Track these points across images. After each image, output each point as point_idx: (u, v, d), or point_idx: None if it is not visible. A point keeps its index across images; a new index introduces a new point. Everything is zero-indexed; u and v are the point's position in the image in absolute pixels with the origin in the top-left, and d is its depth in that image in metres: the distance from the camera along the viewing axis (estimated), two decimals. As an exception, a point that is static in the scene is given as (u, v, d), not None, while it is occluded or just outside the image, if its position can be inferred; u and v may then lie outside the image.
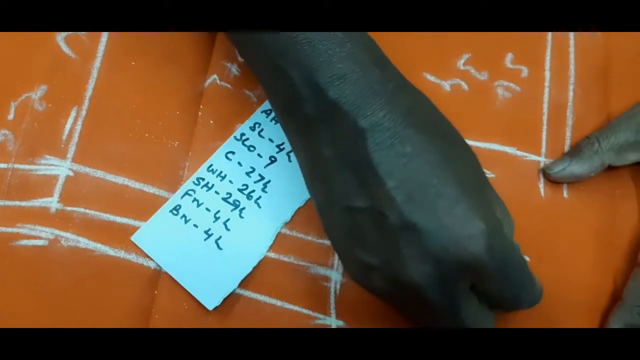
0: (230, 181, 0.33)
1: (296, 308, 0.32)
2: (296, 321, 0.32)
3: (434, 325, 0.28)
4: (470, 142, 0.35)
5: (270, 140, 0.34)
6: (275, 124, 0.34)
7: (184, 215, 0.33)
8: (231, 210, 0.33)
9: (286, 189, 0.33)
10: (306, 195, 0.33)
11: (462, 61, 0.36)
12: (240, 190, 0.33)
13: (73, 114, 0.35)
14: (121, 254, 0.32)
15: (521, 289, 0.27)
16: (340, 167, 0.27)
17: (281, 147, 0.34)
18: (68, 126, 0.34)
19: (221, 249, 0.32)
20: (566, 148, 0.35)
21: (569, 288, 0.33)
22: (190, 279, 0.32)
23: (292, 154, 0.34)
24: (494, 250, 0.25)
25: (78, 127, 0.34)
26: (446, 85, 0.36)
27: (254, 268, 0.32)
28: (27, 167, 0.33)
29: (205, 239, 0.32)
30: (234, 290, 0.32)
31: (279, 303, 0.32)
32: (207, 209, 0.33)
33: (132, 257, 0.32)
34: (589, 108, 0.35)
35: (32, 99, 0.35)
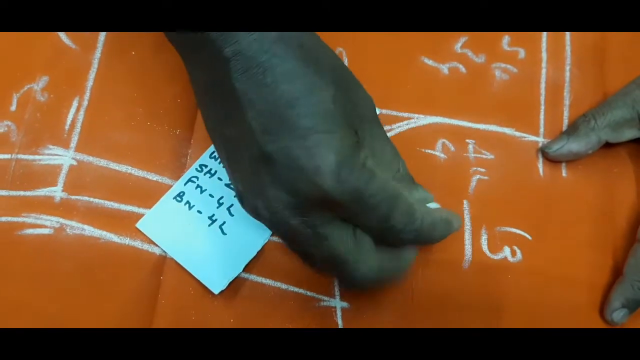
0: (233, 167, 0.34)
1: (301, 291, 0.32)
2: (301, 304, 0.32)
3: (308, 257, 0.28)
4: (468, 124, 0.35)
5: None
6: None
7: (187, 202, 0.33)
8: (234, 196, 0.33)
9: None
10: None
11: (460, 44, 0.37)
12: (242, 176, 0.34)
13: (75, 104, 0.35)
14: (126, 240, 0.33)
15: (392, 220, 0.26)
16: (213, 96, 0.27)
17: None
18: (70, 116, 0.34)
19: (225, 234, 0.33)
20: (564, 128, 0.35)
21: (570, 265, 0.33)
22: (196, 264, 0.32)
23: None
24: (344, 182, 0.25)
25: (80, 117, 0.35)
26: (444, 68, 0.36)
27: (259, 252, 0.32)
28: (30, 157, 0.34)
29: (209, 225, 0.33)
30: (239, 274, 0.32)
31: (283, 286, 0.32)
32: (211, 195, 0.33)
33: (137, 243, 0.33)
34: (586, 87, 0.36)
35: (34, 90, 0.35)
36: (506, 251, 0.33)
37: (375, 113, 0.29)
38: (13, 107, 0.35)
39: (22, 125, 0.34)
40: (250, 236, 0.33)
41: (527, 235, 0.33)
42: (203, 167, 0.34)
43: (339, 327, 0.32)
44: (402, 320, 0.32)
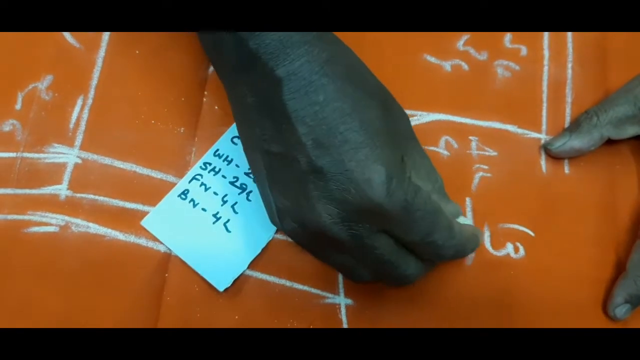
0: (237, 165, 0.34)
1: (305, 288, 0.33)
2: (305, 301, 0.32)
3: (353, 268, 0.29)
4: (471, 121, 0.36)
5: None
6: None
7: (192, 200, 0.33)
8: (238, 194, 0.33)
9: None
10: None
11: (462, 42, 0.37)
12: (246, 173, 0.34)
13: (79, 102, 0.35)
14: (131, 238, 0.33)
15: (434, 235, 0.27)
16: (260, 114, 0.28)
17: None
18: (75, 115, 0.35)
19: (230, 231, 0.33)
20: (566, 125, 0.36)
21: (573, 261, 0.33)
22: (201, 261, 0.32)
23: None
24: (394, 194, 0.26)
25: (85, 116, 0.35)
26: (447, 65, 0.36)
27: (263, 249, 0.33)
28: (35, 155, 0.34)
29: (213, 222, 0.33)
30: (244, 271, 0.32)
31: (288, 283, 0.33)
32: (215, 193, 0.33)
33: (142, 241, 0.33)
34: (587, 84, 0.36)
35: (38, 89, 0.35)
36: (509, 248, 0.33)
37: (412, 128, 0.30)
38: (18, 106, 0.35)
39: (27, 124, 0.34)
40: (254, 234, 0.33)
41: (530, 232, 0.34)
42: (207, 165, 0.34)
43: (343, 324, 0.32)
44: (406, 317, 0.32)
